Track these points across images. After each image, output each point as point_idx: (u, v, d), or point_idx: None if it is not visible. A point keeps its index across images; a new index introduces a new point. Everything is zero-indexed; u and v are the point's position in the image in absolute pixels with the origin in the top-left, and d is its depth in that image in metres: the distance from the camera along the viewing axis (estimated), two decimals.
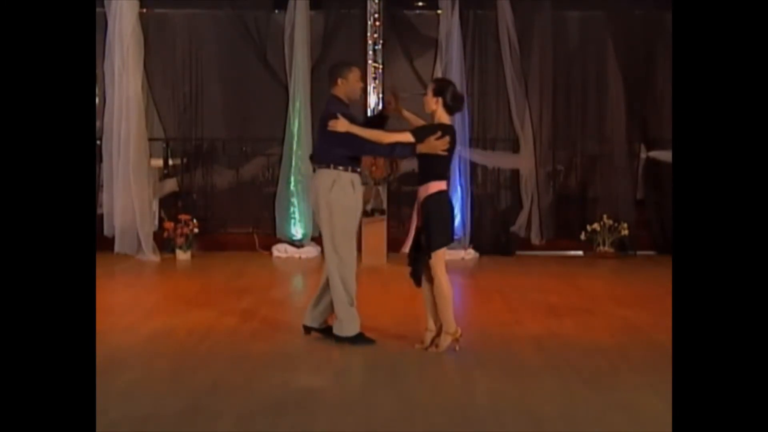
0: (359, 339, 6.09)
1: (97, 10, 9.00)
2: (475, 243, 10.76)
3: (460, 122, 10.61)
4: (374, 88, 10.82)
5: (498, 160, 11.25)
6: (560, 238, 11.06)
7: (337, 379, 5.48)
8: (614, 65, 11.04)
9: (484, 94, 11.12)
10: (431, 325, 6.01)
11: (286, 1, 10.63)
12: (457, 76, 10.61)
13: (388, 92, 6.29)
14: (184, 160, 11.49)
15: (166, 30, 11.27)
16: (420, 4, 11.56)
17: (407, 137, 5.85)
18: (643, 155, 11.16)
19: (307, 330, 6.33)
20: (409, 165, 10.13)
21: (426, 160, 5.87)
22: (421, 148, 5.82)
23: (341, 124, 5.86)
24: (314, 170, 6.19)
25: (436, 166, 5.88)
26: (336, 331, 6.14)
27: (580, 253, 10.92)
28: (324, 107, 6.18)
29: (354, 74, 6.15)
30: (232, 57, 11.42)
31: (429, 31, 11.12)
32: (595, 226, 10.70)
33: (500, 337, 6.46)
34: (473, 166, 10.94)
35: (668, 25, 10.22)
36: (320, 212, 6.09)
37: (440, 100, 5.90)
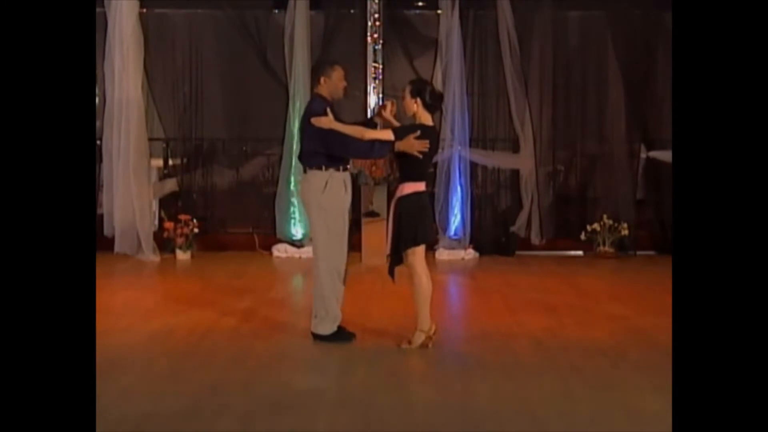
0: (336, 337, 6.14)
1: (97, 10, 9.00)
2: (475, 243, 10.77)
3: (460, 122, 10.65)
4: (374, 88, 10.81)
5: (498, 160, 11.24)
6: (560, 238, 11.07)
7: (337, 379, 5.48)
8: (614, 65, 11.04)
9: (484, 94, 11.12)
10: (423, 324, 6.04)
11: (286, 1, 10.63)
12: (457, 76, 10.62)
13: (389, 100, 6.37)
14: (184, 160, 11.48)
15: (166, 30, 11.27)
16: (420, 4, 11.55)
17: (388, 135, 5.93)
18: (643, 155, 11.15)
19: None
20: None
21: (404, 160, 5.96)
22: (399, 146, 5.90)
23: (326, 121, 5.92)
24: (305, 171, 6.23)
25: (413, 167, 5.96)
26: (313, 329, 6.19)
27: (580, 253, 10.92)
28: (307, 106, 6.23)
29: (338, 73, 6.21)
30: (232, 57, 11.41)
31: (429, 31, 11.12)
32: (595, 226, 10.70)
33: (500, 337, 6.46)
34: (473, 166, 10.94)
35: (668, 25, 10.21)
36: (312, 213, 6.16)
37: (419, 100, 5.98)
